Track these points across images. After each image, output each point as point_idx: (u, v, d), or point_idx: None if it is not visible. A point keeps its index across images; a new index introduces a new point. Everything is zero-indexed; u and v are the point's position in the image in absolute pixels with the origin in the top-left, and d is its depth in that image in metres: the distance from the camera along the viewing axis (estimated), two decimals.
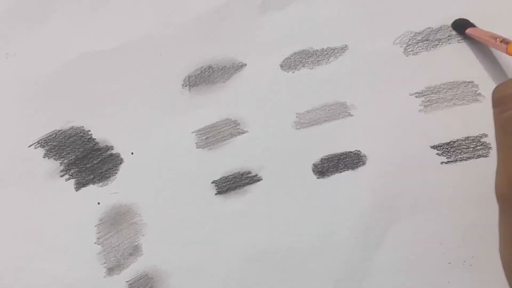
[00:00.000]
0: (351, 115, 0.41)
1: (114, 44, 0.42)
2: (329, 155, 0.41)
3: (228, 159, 0.41)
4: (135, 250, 0.40)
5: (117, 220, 0.40)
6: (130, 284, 0.39)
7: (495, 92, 0.31)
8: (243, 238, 0.40)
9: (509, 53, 0.36)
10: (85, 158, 0.41)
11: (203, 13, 0.43)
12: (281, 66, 0.42)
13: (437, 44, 0.42)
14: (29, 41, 0.42)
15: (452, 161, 0.40)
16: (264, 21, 0.42)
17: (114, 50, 0.42)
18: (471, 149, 0.40)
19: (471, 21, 0.41)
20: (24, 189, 0.40)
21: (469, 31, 0.40)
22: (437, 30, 0.42)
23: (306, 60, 0.42)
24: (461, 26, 0.41)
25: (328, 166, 0.41)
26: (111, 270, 0.40)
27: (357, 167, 0.41)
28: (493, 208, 0.40)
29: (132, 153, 0.41)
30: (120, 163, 0.41)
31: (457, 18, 0.42)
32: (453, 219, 0.40)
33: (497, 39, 0.37)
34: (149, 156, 0.41)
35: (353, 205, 0.40)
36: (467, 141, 0.41)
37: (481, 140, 0.41)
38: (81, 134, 0.41)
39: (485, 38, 0.39)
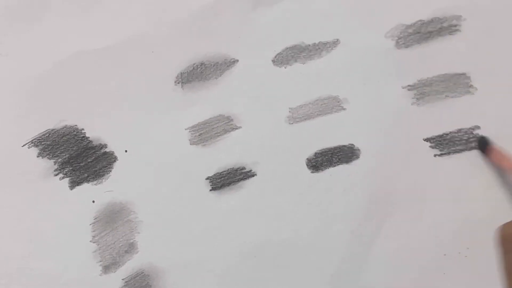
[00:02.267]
0: (344, 109, 0.41)
1: (107, 43, 0.42)
2: (323, 149, 0.41)
3: (222, 155, 0.41)
4: (130, 248, 0.40)
5: (112, 218, 0.40)
6: (126, 282, 0.39)
7: (501, 231, 0.30)
8: (238, 234, 0.40)
9: None
10: (79, 157, 0.41)
11: (195, 10, 0.43)
12: (273, 61, 0.42)
13: (429, 37, 0.42)
14: (21, 41, 0.42)
15: (445, 154, 0.41)
16: (256, 17, 0.42)
17: (106, 48, 0.42)
18: (464, 141, 0.41)
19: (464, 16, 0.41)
20: (19, 189, 0.40)
21: (493, 154, 0.39)
22: (428, 22, 0.42)
23: (298, 55, 0.42)
24: (483, 144, 0.40)
25: (322, 161, 0.41)
26: (107, 268, 0.40)
27: (351, 160, 0.41)
28: (487, 199, 0.40)
29: (126, 151, 0.41)
30: (114, 161, 0.41)
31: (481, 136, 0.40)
32: (447, 211, 0.40)
33: None
34: (143, 154, 0.41)
35: (348, 199, 0.40)
36: (459, 133, 0.41)
37: (473, 132, 0.41)
38: (75, 133, 0.41)
39: (506, 163, 0.37)
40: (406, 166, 0.41)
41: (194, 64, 0.42)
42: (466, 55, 0.41)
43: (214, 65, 0.42)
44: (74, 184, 0.40)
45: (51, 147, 0.41)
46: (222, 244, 0.40)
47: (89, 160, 0.41)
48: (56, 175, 0.40)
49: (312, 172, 0.41)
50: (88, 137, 0.41)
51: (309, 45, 0.42)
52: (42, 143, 0.41)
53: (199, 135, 0.41)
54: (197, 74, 0.42)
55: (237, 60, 0.42)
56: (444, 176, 0.40)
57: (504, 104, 0.41)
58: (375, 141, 0.41)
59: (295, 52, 0.42)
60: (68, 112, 0.41)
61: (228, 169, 0.41)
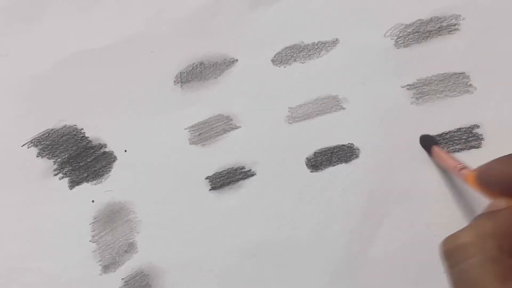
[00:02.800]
0: (344, 109, 0.41)
1: (106, 43, 0.42)
2: (322, 148, 0.41)
3: (221, 155, 0.41)
4: (130, 248, 0.40)
5: (112, 218, 0.40)
6: (126, 282, 0.39)
7: (443, 245, 0.28)
8: (238, 233, 0.40)
9: (468, 182, 0.32)
10: (78, 157, 0.41)
11: (194, 9, 0.43)
12: (273, 61, 0.42)
13: (428, 36, 0.42)
14: (21, 41, 0.42)
15: None
16: (255, 16, 0.42)
17: (106, 48, 0.42)
18: (463, 140, 0.41)
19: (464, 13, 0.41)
20: (18, 189, 0.40)
21: (435, 151, 0.39)
22: (427, 22, 0.42)
23: (298, 55, 0.42)
24: (427, 143, 0.40)
25: (321, 160, 0.41)
26: (106, 268, 0.40)
27: (350, 160, 0.41)
28: (485, 199, 0.40)
29: (125, 151, 0.41)
30: (114, 160, 0.41)
31: (424, 134, 0.40)
32: (446, 210, 0.40)
33: (457, 166, 0.35)
34: (142, 153, 0.41)
35: (347, 198, 0.40)
36: (459, 133, 0.41)
37: (473, 131, 0.41)
38: (74, 132, 0.41)
39: (447, 163, 0.37)
40: (406, 165, 0.40)
41: (193, 63, 0.42)
42: (465, 54, 0.41)
43: (213, 65, 0.42)
44: (73, 183, 0.40)
45: (50, 147, 0.41)
46: (222, 244, 0.40)
47: (88, 160, 0.41)
48: (55, 175, 0.40)
49: (311, 172, 0.41)
50: (88, 137, 0.41)
51: (308, 44, 0.42)
52: (42, 143, 0.41)
53: (198, 134, 0.41)
54: (197, 73, 0.42)
55: (237, 60, 0.42)
56: (443, 175, 0.40)
57: (503, 103, 0.41)
58: (375, 140, 0.41)
59: (294, 51, 0.42)
60: (67, 112, 0.41)
61: (228, 169, 0.41)
